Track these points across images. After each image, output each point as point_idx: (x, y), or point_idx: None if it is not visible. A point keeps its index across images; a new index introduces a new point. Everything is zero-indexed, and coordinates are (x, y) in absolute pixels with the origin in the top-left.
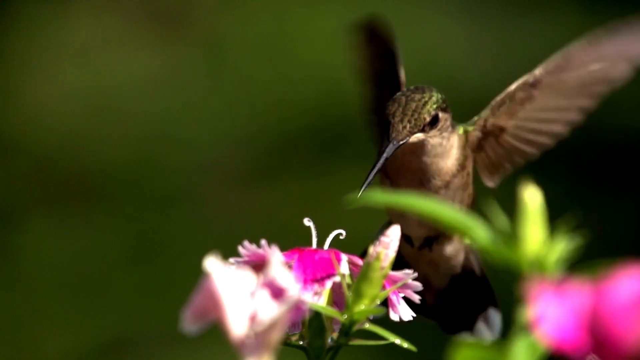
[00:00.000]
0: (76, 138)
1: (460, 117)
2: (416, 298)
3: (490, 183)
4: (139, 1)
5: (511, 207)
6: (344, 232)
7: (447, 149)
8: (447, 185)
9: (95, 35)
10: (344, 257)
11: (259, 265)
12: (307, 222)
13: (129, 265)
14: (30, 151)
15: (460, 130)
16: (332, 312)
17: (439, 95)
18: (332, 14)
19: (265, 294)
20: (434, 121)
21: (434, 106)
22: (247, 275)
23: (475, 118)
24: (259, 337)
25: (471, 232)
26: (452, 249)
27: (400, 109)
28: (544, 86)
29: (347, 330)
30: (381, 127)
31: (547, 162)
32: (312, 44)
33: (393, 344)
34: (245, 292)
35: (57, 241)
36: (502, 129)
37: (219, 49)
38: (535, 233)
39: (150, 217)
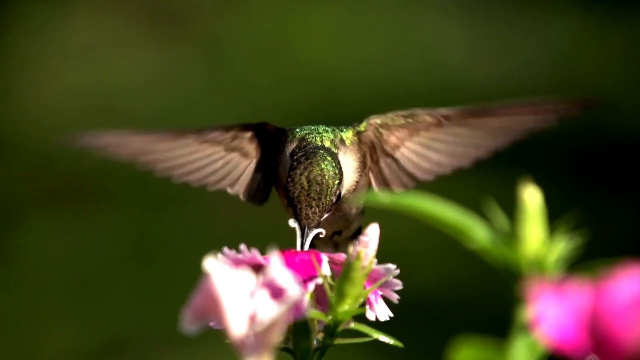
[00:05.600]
0: None
1: None
2: (395, 297)
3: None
4: (139, 1)
5: (511, 207)
6: (323, 232)
7: (350, 171)
8: (354, 190)
9: (96, 35)
10: (325, 258)
11: (256, 266)
12: (292, 223)
13: (128, 265)
14: (30, 151)
15: (349, 135)
16: (316, 314)
17: (332, 160)
18: (332, 14)
19: (265, 294)
20: (338, 198)
21: (336, 183)
22: (247, 275)
23: (364, 121)
24: (259, 337)
25: (471, 232)
26: (354, 228)
27: (304, 192)
28: (456, 119)
29: (332, 331)
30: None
31: (547, 162)
32: (312, 44)
33: (383, 343)
34: (244, 292)
35: (57, 241)
36: (396, 144)
37: (219, 49)
38: (535, 233)
39: (150, 217)
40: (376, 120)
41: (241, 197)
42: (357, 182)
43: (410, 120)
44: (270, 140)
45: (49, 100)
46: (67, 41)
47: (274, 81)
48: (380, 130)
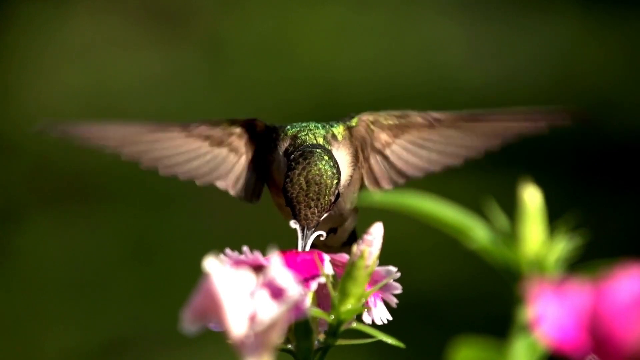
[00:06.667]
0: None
1: None
2: (394, 302)
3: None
4: (139, 1)
5: (511, 207)
6: (324, 234)
7: (344, 167)
8: (347, 186)
9: (96, 35)
10: (327, 258)
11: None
12: (293, 224)
13: (128, 265)
14: (30, 151)
15: (340, 131)
16: (319, 313)
17: (330, 160)
18: (332, 14)
19: (265, 294)
20: (337, 197)
21: (334, 182)
22: (247, 276)
23: (355, 117)
24: (259, 337)
25: (471, 232)
26: (348, 226)
27: (303, 192)
28: (447, 123)
29: (334, 331)
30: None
31: (547, 163)
32: (312, 44)
33: (384, 344)
34: (245, 292)
35: (57, 241)
36: (387, 142)
37: (219, 49)
38: (535, 233)
39: (150, 217)
40: (368, 117)
41: (230, 192)
42: (351, 176)
43: (402, 120)
44: (261, 138)
45: (49, 100)
46: (67, 41)
47: (274, 81)
48: (372, 127)
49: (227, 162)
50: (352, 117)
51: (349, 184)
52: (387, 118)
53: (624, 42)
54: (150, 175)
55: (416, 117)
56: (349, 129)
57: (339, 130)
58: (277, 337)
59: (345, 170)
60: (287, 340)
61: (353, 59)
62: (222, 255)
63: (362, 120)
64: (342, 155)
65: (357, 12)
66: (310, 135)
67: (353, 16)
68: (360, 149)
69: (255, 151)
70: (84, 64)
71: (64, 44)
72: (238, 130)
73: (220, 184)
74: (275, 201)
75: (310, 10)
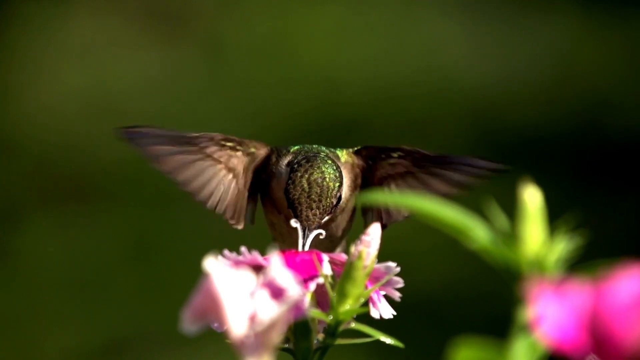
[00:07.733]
0: (76, 138)
1: (461, 117)
2: (397, 296)
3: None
4: (139, 1)
5: (511, 207)
6: (324, 232)
7: (344, 186)
8: (342, 211)
9: (96, 35)
10: (326, 258)
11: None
12: (293, 223)
13: (128, 265)
14: (30, 151)
15: (343, 154)
16: (317, 313)
17: (332, 163)
18: (332, 14)
19: (265, 294)
20: (338, 200)
21: (336, 185)
22: (247, 276)
23: (359, 147)
24: (259, 337)
25: (471, 232)
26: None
27: (305, 194)
28: (421, 164)
29: (333, 331)
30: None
31: (547, 163)
32: (312, 44)
33: (383, 343)
34: (245, 292)
35: (56, 241)
36: (384, 177)
37: (219, 49)
38: (535, 233)
39: (150, 217)
40: (370, 150)
41: (226, 215)
42: (348, 200)
43: (397, 159)
44: (263, 157)
45: (49, 100)
46: (67, 41)
47: (274, 81)
48: (370, 162)
49: (224, 181)
50: (355, 148)
51: (343, 210)
52: (385, 158)
53: (624, 42)
54: (150, 175)
55: (407, 156)
56: (352, 156)
57: (342, 153)
58: (277, 337)
59: (345, 190)
60: (287, 340)
61: (353, 59)
62: (220, 257)
63: (364, 150)
64: (343, 175)
65: (357, 12)
66: (313, 149)
67: (353, 16)
68: (360, 178)
69: (254, 172)
70: (84, 64)
71: (64, 44)
72: (240, 152)
73: (213, 205)
74: (267, 219)
75: (310, 10)
